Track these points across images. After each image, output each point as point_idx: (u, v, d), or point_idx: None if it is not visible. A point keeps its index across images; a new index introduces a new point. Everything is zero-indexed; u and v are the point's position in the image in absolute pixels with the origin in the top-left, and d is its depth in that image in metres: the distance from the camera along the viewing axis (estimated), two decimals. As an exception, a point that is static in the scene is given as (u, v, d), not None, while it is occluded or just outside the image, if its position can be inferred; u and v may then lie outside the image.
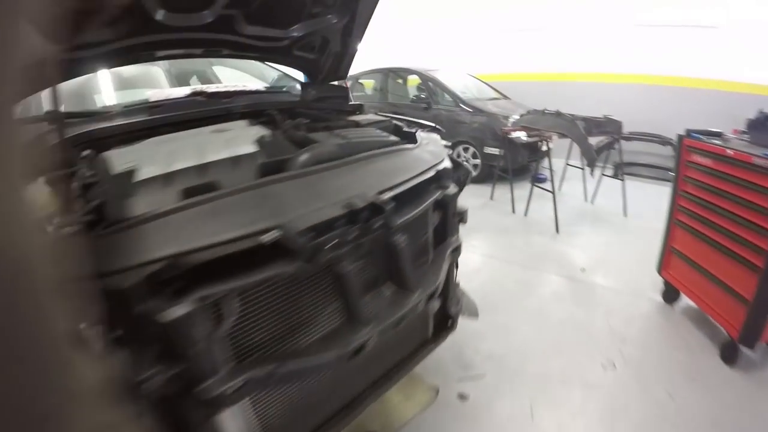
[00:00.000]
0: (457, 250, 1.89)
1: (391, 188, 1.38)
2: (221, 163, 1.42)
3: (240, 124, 1.89)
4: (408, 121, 2.35)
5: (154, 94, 2.31)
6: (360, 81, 7.73)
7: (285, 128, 1.81)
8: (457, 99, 6.18)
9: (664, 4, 6.25)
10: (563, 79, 7.27)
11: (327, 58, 2.49)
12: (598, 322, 2.71)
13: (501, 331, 2.63)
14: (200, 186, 1.26)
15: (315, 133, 1.73)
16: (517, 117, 5.36)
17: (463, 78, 7.00)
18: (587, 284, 3.18)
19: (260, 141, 1.59)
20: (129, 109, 2.00)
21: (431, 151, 1.78)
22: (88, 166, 1.39)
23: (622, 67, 6.72)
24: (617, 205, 4.75)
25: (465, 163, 2.27)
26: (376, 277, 1.49)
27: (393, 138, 1.81)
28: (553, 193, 4.23)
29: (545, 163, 4.64)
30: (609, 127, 4.55)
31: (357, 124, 2.02)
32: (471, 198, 5.40)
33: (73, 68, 1.85)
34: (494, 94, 6.83)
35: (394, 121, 2.24)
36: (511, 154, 5.16)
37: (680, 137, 2.74)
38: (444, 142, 2.05)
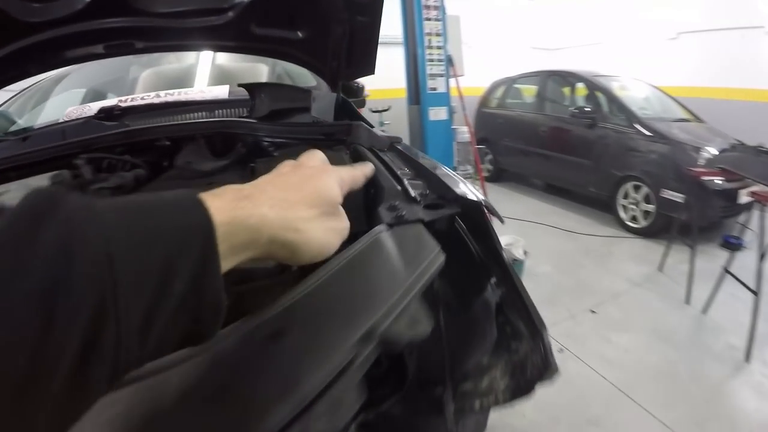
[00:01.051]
0: None
1: None
2: None
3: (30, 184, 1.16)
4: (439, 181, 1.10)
5: (71, 112, 1.78)
6: (516, 85, 6.59)
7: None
8: (632, 117, 4.71)
9: None
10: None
11: (325, 36, 1.51)
12: None
13: None
14: None
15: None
16: (714, 152, 3.81)
17: (643, 90, 5.40)
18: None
19: None
20: (28, 134, 1.54)
21: None
22: None
23: None
24: None
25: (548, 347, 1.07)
26: None
27: None
28: (755, 293, 2.74)
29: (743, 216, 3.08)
30: None
31: None
32: (631, 263, 4.02)
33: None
34: (683, 114, 5.08)
35: (391, 181, 1.12)
36: (698, 204, 3.65)
37: None
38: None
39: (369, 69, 1.63)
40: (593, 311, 3.27)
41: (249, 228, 0.40)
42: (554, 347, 2.63)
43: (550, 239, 4.59)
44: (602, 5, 7.22)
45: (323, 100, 1.63)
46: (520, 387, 1.11)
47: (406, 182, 1.06)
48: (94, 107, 1.69)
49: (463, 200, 1.01)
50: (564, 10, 7.92)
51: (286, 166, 0.53)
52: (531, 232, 4.65)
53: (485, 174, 6.46)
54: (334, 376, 0.57)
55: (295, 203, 0.47)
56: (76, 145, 1.32)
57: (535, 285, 3.64)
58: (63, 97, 2.40)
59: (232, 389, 0.53)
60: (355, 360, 0.59)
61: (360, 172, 0.61)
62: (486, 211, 1.07)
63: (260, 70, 2.55)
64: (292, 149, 1.36)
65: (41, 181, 1.16)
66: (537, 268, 3.86)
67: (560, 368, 2.61)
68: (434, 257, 0.79)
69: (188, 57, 2.54)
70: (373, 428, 0.85)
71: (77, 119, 1.66)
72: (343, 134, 1.39)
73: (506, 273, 1.09)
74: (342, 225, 0.53)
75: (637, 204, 4.62)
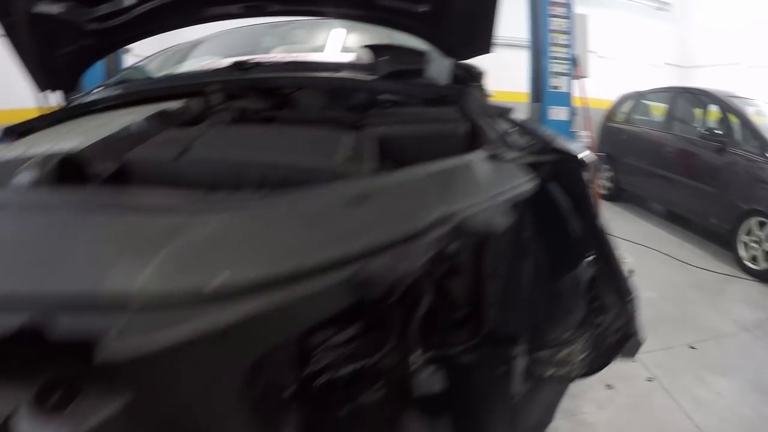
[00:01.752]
0: None
1: None
2: None
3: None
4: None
5: (207, 64, 2.09)
6: (645, 101, 6.33)
7: None
8: (765, 145, 4.31)
9: None
10: None
11: (446, 10, 1.55)
12: None
13: None
14: None
15: None
16: None
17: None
18: None
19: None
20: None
21: None
22: None
23: None
24: None
25: None
26: None
27: None
28: None
29: None
30: None
31: None
32: (743, 305, 3.72)
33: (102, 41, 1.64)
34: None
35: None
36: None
37: None
38: None
39: (486, 47, 1.64)
40: (692, 347, 3.16)
41: None
42: (643, 375, 2.71)
43: (660, 266, 4.40)
44: (742, 23, 6.62)
45: (439, 64, 1.66)
46: (598, 358, 1.11)
47: (509, 136, 1.14)
48: (227, 62, 1.85)
49: (559, 151, 1.07)
50: (702, 26, 7.36)
51: None
52: (641, 256, 4.54)
53: (603, 192, 6.29)
54: (401, 239, 0.65)
55: None
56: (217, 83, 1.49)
57: (635, 308, 3.64)
58: (198, 60, 2.54)
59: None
60: (426, 232, 0.67)
61: None
62: (584, 168, 1.08)
63: None
64: (406, 107, 1.46)
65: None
66: (641, 292, 3.82)
67: (645, 399, 2.65)
68: (525, 181, 0.90)
69: (319, 38, 2.66)
70: (440, 367, 0.88)
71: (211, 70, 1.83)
72: (456, 97, 1.44)
73: (602, 245, 1.10)
74: None
75: (759, 243, 4.20)
